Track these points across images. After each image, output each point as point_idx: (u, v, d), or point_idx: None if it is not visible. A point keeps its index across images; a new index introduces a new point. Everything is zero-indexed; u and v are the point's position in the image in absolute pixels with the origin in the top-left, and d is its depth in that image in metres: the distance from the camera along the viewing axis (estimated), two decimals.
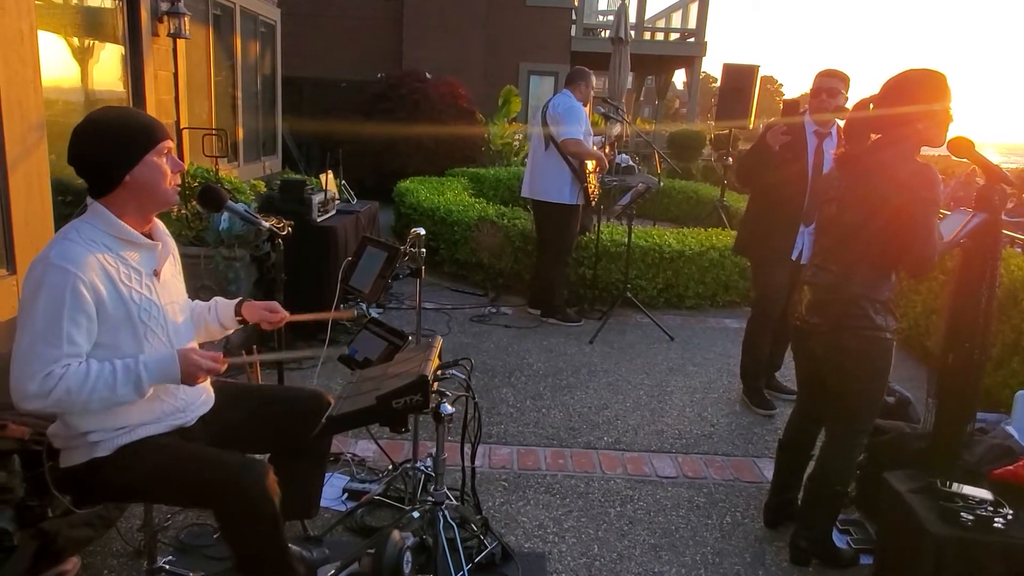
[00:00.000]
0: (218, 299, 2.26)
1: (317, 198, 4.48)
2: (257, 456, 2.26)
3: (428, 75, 10.52)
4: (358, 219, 5.03)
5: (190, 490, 1.87)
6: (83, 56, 4.67)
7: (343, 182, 5.30)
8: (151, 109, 5.08)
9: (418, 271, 2.60)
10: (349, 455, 3.19)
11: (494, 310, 5.71)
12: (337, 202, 4.99)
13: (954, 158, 2.59)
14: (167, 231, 2.04)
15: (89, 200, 1.88)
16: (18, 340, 1.72)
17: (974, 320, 2.57)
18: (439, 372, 2.11)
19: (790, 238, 3.86)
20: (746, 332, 4.18)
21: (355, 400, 2.01)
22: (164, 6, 5.19)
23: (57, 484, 1.92)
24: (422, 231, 2.57)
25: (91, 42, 4.71)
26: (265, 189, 5.08)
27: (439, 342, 2.21)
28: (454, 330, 5.21)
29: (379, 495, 2.83)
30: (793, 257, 3.88)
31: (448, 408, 2.10)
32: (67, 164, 1.85)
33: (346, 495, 2.91)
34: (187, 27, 5.35)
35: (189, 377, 1.84)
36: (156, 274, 1.94)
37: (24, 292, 1.75)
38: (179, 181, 1.96)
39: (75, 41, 4.56)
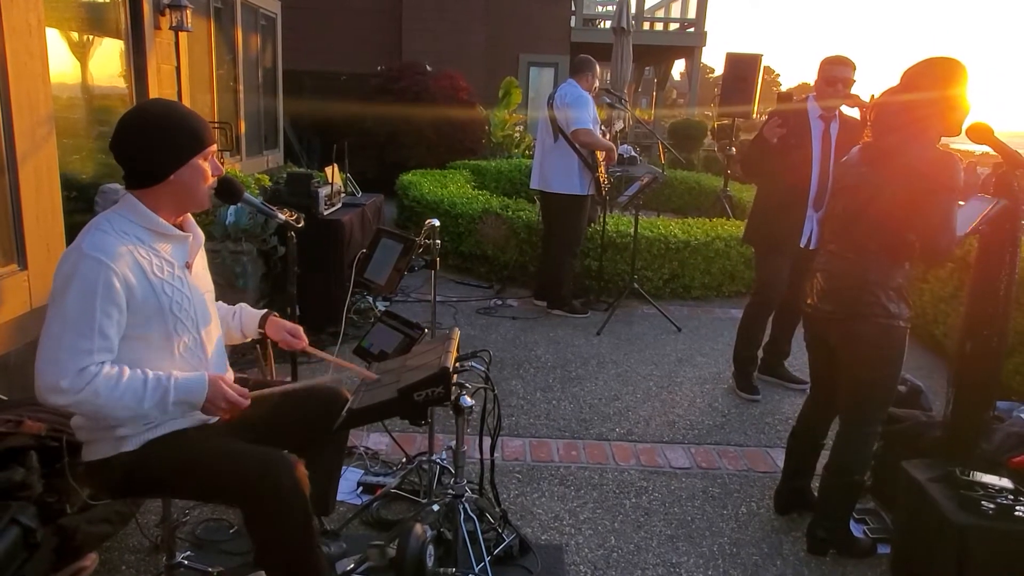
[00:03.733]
0: (243, 306, 2.23)
1: (324, 191, 4.45)
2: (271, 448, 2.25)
3: (428, 67, 10.47)
4: (364, 212, 5.01)
5: (219, 485, 1.84)
6: (86, 50, 4.64)
7: (348, 175, 5.27)
8: None
9: (432, 263, 2.58)
10: (362, 448, 3.18)
11: (500, 302, 5.70)
12: (343, 195, 4.96)
13: (973, 144, 2.56)
14: (195, 223, 2.02)
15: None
16: (47, 330, 1.70)
17: (993, 308, 2.56)
18: (458, 364, 2.09)
19: (797, 225, 3.86)
20: (743, 317, 4.19)
21: (375, 393, 1.99)
22: None
23: (80, 478, 1.91)
24: (436, 223, 2.55)
25: (94, 36, 4.67)
26: (270, 183, 5.06)
27: (456, 334, 2.19)
28: (460, 322, 5.20)
29: (394, 488, 2.82)
30: (802, 244, 3.88)
31: (468, 400, 2.10)
32: (108, 149, 1.83)
33: (360, 488, 2.90)
34: (189, 20, 5.31)
35: (212, 405, 1.82)
36: (188, 266, 1.93)
37: (55, 282, 1.73)
38: (214, 185, 1.94)
39: (78, 35, 4.52)
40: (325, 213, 4.49)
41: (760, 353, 4.29)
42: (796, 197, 3.82)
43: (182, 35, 5.44)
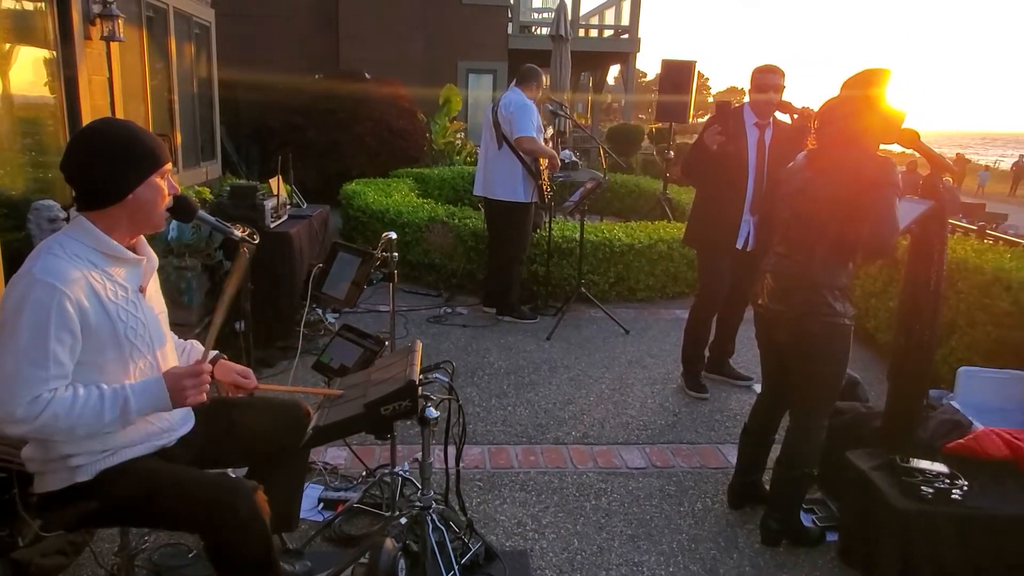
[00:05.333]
0: (194, 344, 2.19)
1: (269, 204, 4.38)
2: (236, 471, 2.22)
3: (368, 75, 10.38)
4: (311, 224, 4.94)
5: (177, 513, 1.81)
6: (13, 62, 4.45)
7: (293, 187, 5.20)
8: (87, 116, 4.87)
9: (390, 275, 2.58)
10: (320, 464, 3.15)
11: (449, 310, 5.70)
12: (288, 207, 4.89)
13: (901, 149, 2.72)
14: (148, 244, 1.97)
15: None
16: (0, 361, 1.64)
17: (924, 303, 2.71)
18: (422, 377, 2.10)
19: (733, 228, 4.01)
20: (688, 319, 4.32)
21: (341, 409, 1.99)
22: (96, 8, 4.98)
23: (31, 509, 1.84)
24: (394, 235, 2.56)
25: (20, 47, 4.49)
26: (211, 196, 4.94)
27: (419, 346, 2.20)
28: (411, 332, 5.18)
29: (356, 503, 2.80)
30: (738, 246, 4.02)
31: (433, 412, 2.11)
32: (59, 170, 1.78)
33: (322, 505, 2.87)
34: (121, 30, 5.15)
35: (178, 397, 1.77)
36: (142, 290, 1.88)
37: (5, 309, 1.66)
38: (169, 204, 1.90)
39: (3, 46, 4.34)
40: (272, 226, 4.42)
41: (707, 352, 4.43)
42: (733, 201, 3.97)
43: (114, 45, 5.27)
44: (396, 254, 2.56)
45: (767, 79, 3.87)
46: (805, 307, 2.57)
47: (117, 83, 5.40)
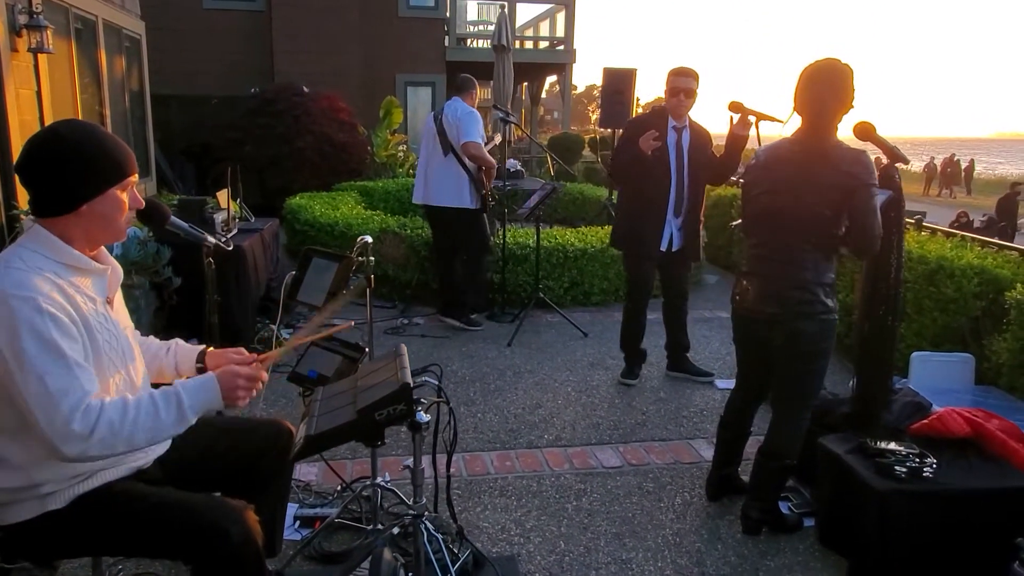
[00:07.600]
0: (178, 341, 2.07)
1: (219, 217, 4.24)
2: (217, 495, 2.11)
3: (306, 89, 10.19)
4: (262, 236, 4.81)
5: (162, 540, 1.70)
6: None
7: (241, 201, 5.05)
8: (14, 131, 4.62)
9: (368, 280, 2.52)
10: (293, 482, 3.03)
11: (406, 321, 5.63)
12: (237, 221, 4.74)
13: (857, 140, 2.80)
14: (109, 254, 1.86)
15: (28, 223, 1.69)
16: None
17: (886, 289, 2.81)
18: (414, 379, 2.05)
19: (658, 230, 4.09)
20: (623, 318, 4.43)
21: (331, 417, 1.92)
22: (23, 19, 4.74)
23: None
24: (369, 239, 2.50)
25: None
26: None
27: (405, 350, 2.15)
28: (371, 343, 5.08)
29: (337, 518, 2.71)
30: (663, 248, 4.11)
31: (424, 416, 2.05)
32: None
33: (298, 523, 2.77)
34: (49, 41, 4.91)
35: (230, 396, 1.71)
36: (109, 302, 1.77)
37: None
38: (133, 216, 1.80)
39: None
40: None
41: (666, 351, 4.52)
42: (658, 204, 4.05)
43: (42, 57, 5.02)
44: (373, 258, 2.50)
45: (678, 82, 3.94)
46: (800, 307, 2.58)
47: (46, 97, 5.14)
